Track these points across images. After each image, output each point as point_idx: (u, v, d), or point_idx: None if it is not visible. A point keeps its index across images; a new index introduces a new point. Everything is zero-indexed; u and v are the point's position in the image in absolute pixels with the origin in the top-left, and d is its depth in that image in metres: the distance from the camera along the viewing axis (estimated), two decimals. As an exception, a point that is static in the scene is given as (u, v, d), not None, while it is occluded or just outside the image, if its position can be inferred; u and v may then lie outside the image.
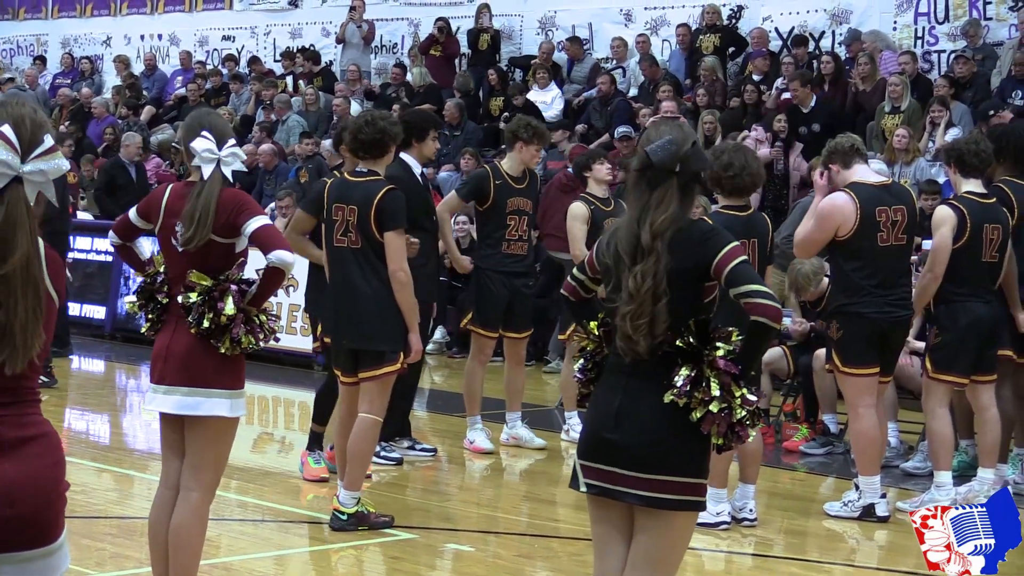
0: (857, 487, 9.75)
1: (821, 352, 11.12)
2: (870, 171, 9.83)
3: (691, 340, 5.04)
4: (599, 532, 5.31)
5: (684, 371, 5.02)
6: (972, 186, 9.97)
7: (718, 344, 5.03)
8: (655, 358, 5.07)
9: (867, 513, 9.62)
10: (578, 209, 11.63)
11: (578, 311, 5.51)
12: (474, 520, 9.68)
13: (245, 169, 6.67)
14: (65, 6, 29.10)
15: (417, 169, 10.87)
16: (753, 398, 5.06)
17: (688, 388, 5.00)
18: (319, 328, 10.20)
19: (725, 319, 5.21)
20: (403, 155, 10.91)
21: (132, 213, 6.93)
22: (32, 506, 3.86)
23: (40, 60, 28.61)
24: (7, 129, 3.84)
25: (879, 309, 9.44)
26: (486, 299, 11.47)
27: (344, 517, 8.91)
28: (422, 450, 11.37)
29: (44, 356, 3.97)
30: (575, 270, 5.50)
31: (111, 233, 7.12)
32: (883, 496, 9.68)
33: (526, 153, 11.52)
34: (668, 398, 5.02)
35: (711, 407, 4.99)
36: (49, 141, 3.91)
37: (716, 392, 4.98)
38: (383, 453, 10.93)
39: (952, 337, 9.85)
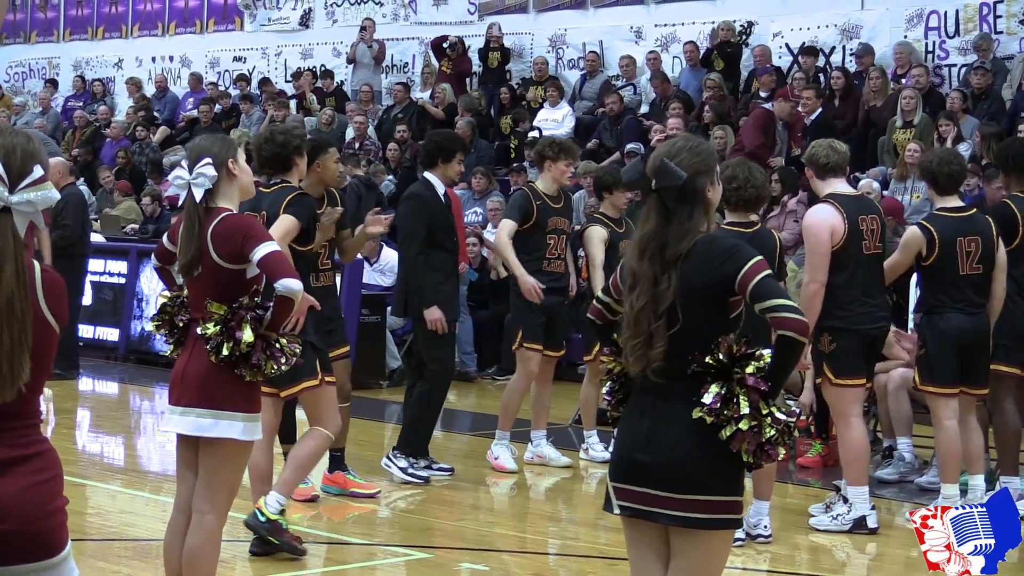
0: (845, 499, 9.76)
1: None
2: (845, 184, 9.93)
3: (721, 358, 4.99)
4: (635, 555, 5.26)
5: (714, 388, 4.97)
6: (947, 201, 10.04)
7: (749, 362, 5.00)
8: (685, 378, 5.02)
9: (858, 525, 9.62)
10: (597, 233, 11.70)
11: (604, 333, 5.45)
12: (489, 539, 9.66)
13: (208, 185, 6.60)
14: (77, 29, 29.19)
15: (440, 189, 10.98)
16: (782, 417, 5.01)
17: (718, 405, 4.96)
18: None
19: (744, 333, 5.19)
20: (427, 174, 11.03)
21: (165, 238, 7.04)
22: (24, 520, 3.90)
23: (52, 83, 28.67)
24: None
25: (870, 323, 9.56)
26: (529, 318, 11.50)
27: (262, 519, 8.62)
28: (439, 469, 11.36)
29: (44, 380, 3.99)
30: (600, 292, 5.47)
31: (153, 256, 7.27)
32: (872, 507, 9.71)
33: (556, 170, 11.57)
34: (696, 414, 4.97)
35: (740, 425, 4.94)
36: (39, 172, 3.92)
37: (745, 410, 4.93)
38: (410, 471, 10.98)
39: (933, 348, 9.92)
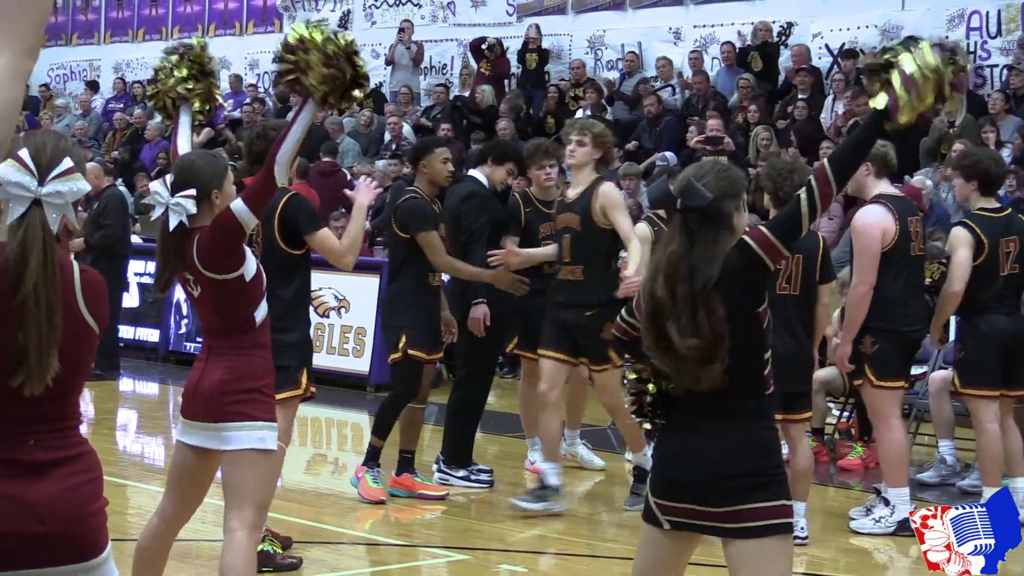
0: (887, 502, 9.70)
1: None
2: (890, 185, 9.91)
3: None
4: (649, 555, 5.18)
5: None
6: (987, 202, 9.98)
7: None
8: (722, 392, 4.95)
9: (902, 528, 9.53)
10: (643, 231, 11.49)
11: (627, 347, 5.37)
12: (528, 541, 9.65)
13: (183, 217, 6.29)
14: (117, 31, 29.33)
15: (488, 186, 10.90)
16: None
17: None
18: (402, 340, 10.14)
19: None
20: (474, 171, 10.88)
21: None
22: (63, 523, 3.90)
23: (92, 85, 28.79)
24: (24, 153, 3.85)
25: (911, 324, 9.55)
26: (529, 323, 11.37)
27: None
28: (479, 471, 11.34)
29: (83, 381, 3.99)
30: (624, 312, 5.35)
31: None
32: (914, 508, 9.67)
33: (536, 178, 11.17)
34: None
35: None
36: (68, 163, 3.91)
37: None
38: (472, 477, 10.98)
39: (973, 350, 9.87)
